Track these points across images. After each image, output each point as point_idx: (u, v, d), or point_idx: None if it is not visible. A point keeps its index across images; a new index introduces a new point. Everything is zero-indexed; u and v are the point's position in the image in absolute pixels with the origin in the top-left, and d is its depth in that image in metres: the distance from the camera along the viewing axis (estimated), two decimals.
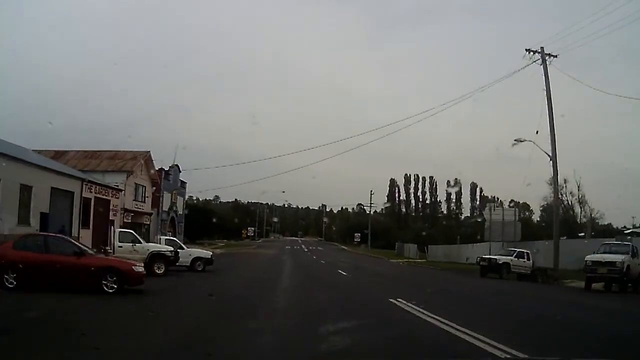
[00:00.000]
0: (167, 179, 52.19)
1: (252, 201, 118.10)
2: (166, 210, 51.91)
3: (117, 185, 41.59)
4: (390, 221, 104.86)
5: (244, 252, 57.37)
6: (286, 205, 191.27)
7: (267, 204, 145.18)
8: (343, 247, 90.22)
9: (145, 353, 7.42)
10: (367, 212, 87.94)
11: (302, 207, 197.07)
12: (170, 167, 53.11)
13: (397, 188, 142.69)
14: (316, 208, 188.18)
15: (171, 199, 53.19)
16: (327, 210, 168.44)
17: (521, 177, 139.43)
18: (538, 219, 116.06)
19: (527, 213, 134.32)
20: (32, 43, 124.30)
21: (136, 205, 44.29)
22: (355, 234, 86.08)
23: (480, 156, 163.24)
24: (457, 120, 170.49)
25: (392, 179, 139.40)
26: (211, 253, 27.73)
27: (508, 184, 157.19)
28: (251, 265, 35.06)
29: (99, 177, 41.30)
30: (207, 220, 72.76)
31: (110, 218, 39.82)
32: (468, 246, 59.75)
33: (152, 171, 47.03)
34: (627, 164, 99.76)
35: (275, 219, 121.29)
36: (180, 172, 55.65)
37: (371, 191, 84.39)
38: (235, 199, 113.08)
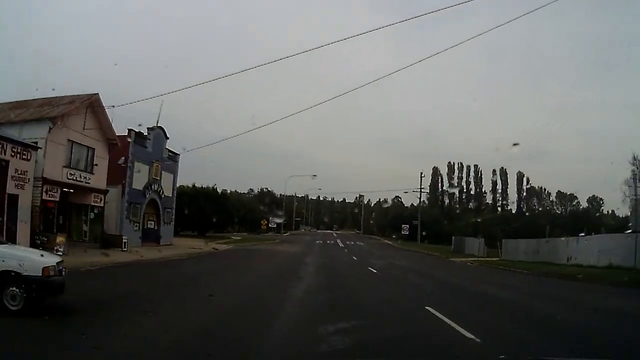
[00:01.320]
0: (142, 145, 34.24)
1: (285, 194, 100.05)
2: (140, 189, 33.93)
3: (37, 143, 23.98)
4: (439, 212, 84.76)
5: (257, 249, 39.26)
6: (321, 198, 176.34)
7: (304, 197, 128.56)
8: (387, 241, 70.58)
9: None
10: (412, 201, 68.32)
11: (338, 200, 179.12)
12: (149, 129, 35.20)
13: (439, 177, 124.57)
14: (352, 201, 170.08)
15: (150, 173, 35.18)
16: (365, 202, 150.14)
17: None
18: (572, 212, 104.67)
19: (573, 204, 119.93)
20: None
21: (72, 175, 26.41)
22: (403, 226, 66.35)
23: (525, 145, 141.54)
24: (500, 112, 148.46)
25: (434, 167, 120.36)
26: (55, 262, 8.82)
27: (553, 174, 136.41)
28: (232, 279, 16.79)
29: (14, 132, 23.89)
30: (221, 209, 54.94)
31: (10, 191, 22.11)
32: (568, 240, 39.76)
33: (108, 127, 28.97)
34: None
35: (305, 210, 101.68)
36: (167, 138, 37.69)
37: (421, 173, 64.93)
38: (264, 188, 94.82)
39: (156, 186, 36.17)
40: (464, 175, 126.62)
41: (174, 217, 39.90)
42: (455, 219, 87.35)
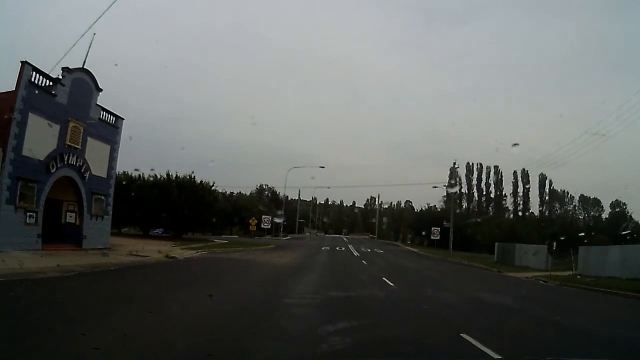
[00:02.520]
0: (48, 92, 20.96)
1: (287, 193, 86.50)
2: (40, 159, 20.63)
3: None
4: (471, 215, 70.75)
5: (232, 260, 26.38)
6: (330, 202, 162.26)
7: (312, 200, 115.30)
8: (409, 248, 56.49)
9: None
10: (421, 205, 54.81)
11: (347, 205, 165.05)
12: (65, 70, 22.07)
13: (458, 179, 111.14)
14: (361, 206, 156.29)
15: (62, 137, 21.88)
16: (378, 204, 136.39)
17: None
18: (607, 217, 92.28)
19: (597, 209, 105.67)
20: None
21: None
22: (433, 229, 51.99)
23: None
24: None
25: (452, 166, 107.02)
26: None
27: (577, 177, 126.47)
28: None
29: None
30: (203, 204, 41.77)
31: None
32: None
33: None
34: None
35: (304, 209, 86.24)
36: (98, 90, 24.41)
37: (454, 164, 51.79)
38: (264, 185, 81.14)
39: (74, 159, 22.86)
40: (484, 177, 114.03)
41: (111, 208, 26.37)
42: (480, 223, 73.90)
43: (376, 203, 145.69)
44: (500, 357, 6.55)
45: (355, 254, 38.80)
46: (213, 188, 43.40)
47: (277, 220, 56.62)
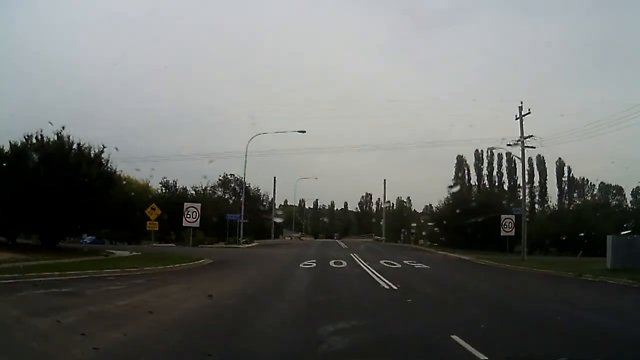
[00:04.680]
0: None
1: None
2: None
3: None
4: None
5: None
6: (319, 207, 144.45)
7: (301, 202, 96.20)
8: (449, 254, 34.62)
9: None
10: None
11: (338, 208, 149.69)
12: None
13: (466, 169, 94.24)
14: (353, 209, 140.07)
15: None
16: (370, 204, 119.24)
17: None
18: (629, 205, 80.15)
19: (618, 197, 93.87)
20: None
21: None
22: (505, 219, 30.20)
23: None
24: None
25: (459, 155, 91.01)
26: None
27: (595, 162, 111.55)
28: None
29: None
30: (86, 186, 21.72)
31: None
32: None
33: None
34: None
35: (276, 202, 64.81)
36: None
37: (521, 107, 30.25)
38: (225, 174, 62.55)
39: None
40: (495, 165, 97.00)
41: None
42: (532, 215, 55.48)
43: (372, 201, 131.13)
44: None
45: (385, 283, 15.07)
46: (102, 156, 23.15)
47: (231, 217, 36.55)
